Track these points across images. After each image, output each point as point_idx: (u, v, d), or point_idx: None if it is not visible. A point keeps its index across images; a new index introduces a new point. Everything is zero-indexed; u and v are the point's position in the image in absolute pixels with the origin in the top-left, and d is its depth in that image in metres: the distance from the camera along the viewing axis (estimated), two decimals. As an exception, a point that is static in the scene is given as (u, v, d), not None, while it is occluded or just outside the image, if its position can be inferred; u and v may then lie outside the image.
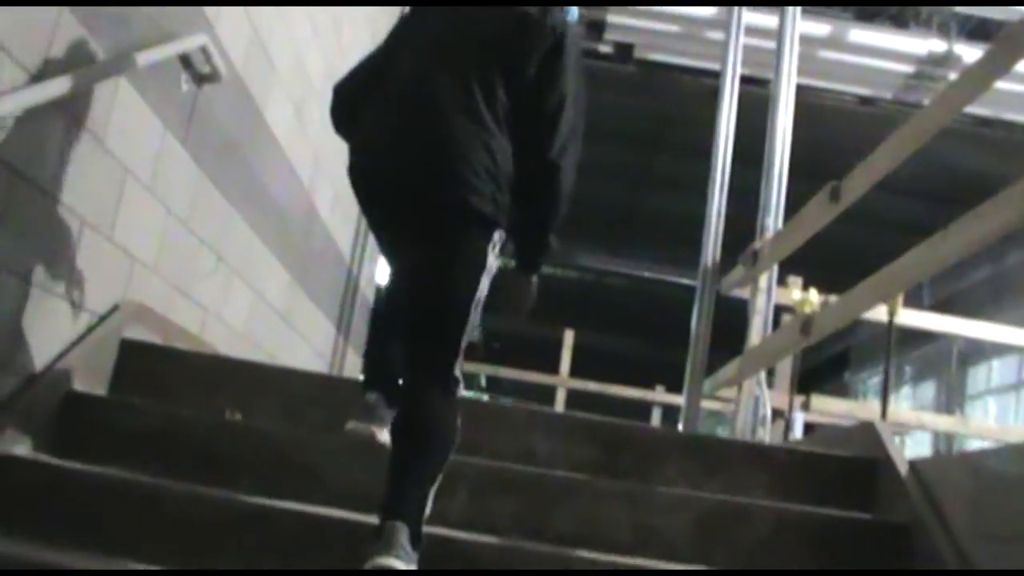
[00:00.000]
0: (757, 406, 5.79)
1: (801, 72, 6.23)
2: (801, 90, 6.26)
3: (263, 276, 5.19)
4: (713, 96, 6.52)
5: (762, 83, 6.89)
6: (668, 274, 13.09)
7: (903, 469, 3.20)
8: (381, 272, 7.39)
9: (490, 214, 2.55)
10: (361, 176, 2.71)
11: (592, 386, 11.54)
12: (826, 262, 7.80)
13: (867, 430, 3.59)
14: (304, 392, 3.59)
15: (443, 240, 2.56)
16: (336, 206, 6.40)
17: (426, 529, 2.41)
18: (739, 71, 6.49)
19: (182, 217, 3.94)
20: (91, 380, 3.26)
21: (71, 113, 2.94)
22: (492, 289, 2.65)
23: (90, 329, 3.30)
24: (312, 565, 2.58)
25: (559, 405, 11.49)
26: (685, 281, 9.15)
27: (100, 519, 2.66)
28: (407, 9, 3.08)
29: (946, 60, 8.48)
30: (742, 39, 6.58)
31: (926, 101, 8.58)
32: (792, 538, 2.98)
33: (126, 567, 2.47)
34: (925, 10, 8.83)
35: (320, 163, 5.83)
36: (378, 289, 7.62)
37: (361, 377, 3.19)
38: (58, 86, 2.77)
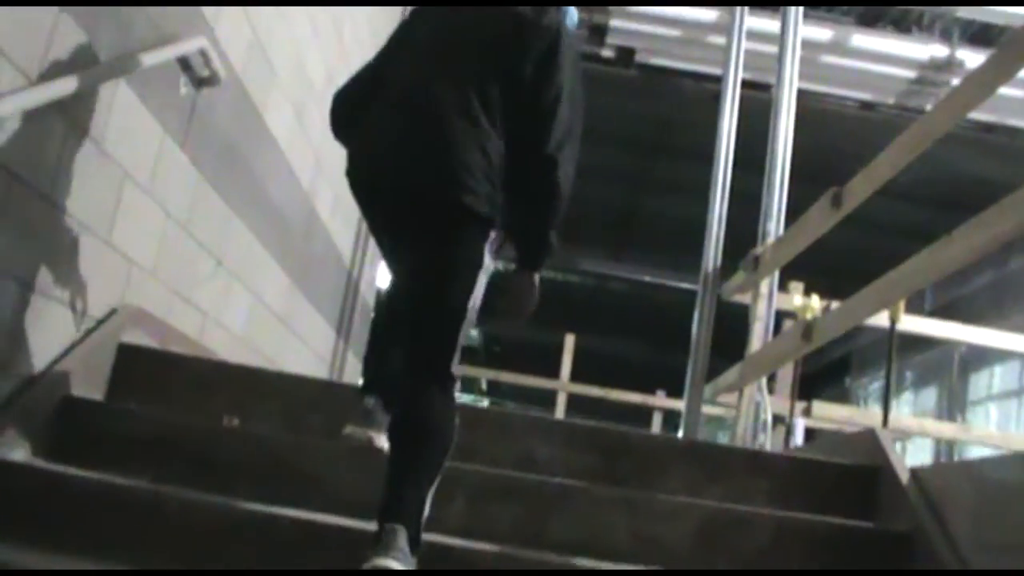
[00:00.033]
0: (758, 412, 5.77)
1: (803, 77, 6.21)
2: (803, 95, 6.24)
3: (263, 280, 5.17)
4: (715, 100, 6.50)
5: (764, 88, 6.89)
6: (669, 279, 13.07)
7: (904, 477, 3.18)
8: (382, 275, 7.37)
9: (486, 214, 2.58)
10: (360, 178, 2.73)
11: (593, 391, 11.54)
12: (828, 267, 7.79)
13: (868, 437, 3.57)
14: (303, 397, 3.57)
15: (440, 240, 2.58)
16: (337, 209, 6.39)
17: (424, 536, 2.40)
18: (741, 76, 6.47)
19: (181, 220, 3.92)
20: (88, 385, 3.24)
21: (69, 116, 2.93)
22: (494, 292, 2.65)
23: (88, 333, 3.28)
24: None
25: (560, 409, 11.47)
26: (686, 286, 9.13)
27: (96, 526, 2.64)
28: (408, 11, 3.08)
29: (948, 65, 8.47)
30: (744, 44, 6.56)
31: (928, 106, 8.57)
32: (793, 547, 2.96)
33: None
34: (927, 15, 8.82)
35: (321, 166, 5.82)
36: (379, 293, 7.60)
37: (360, 382, 3.18)
38: (56, 89, 2.76)
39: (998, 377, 12.16)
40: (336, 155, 2.86)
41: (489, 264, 2.64)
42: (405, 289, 2.76)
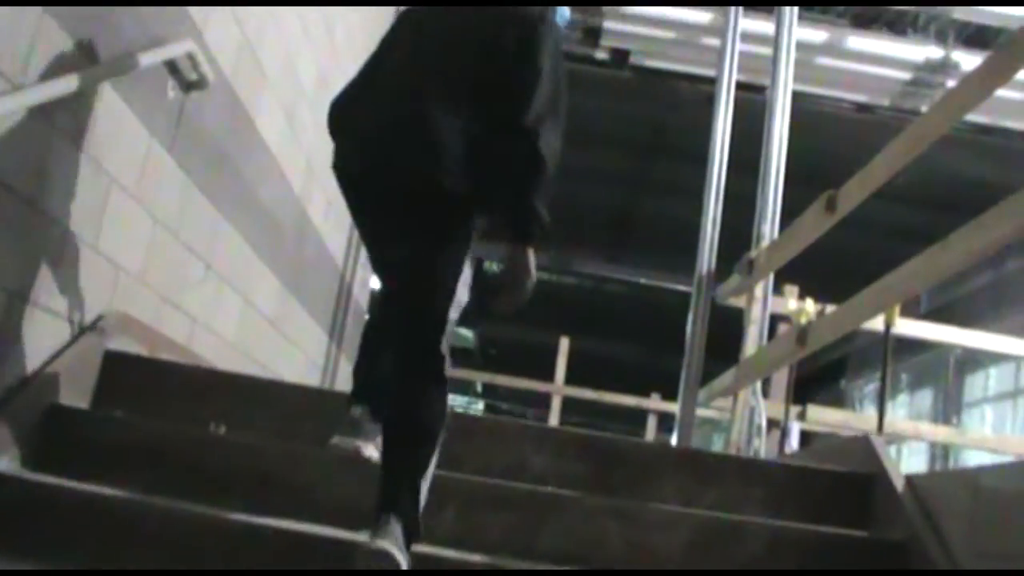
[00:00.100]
0: (753, 416, 5.74)
1: (798, 79, 6.18)
2: (797, 96, 6.21)
3: (254, 284, 5.13)
4: (709, 102, 6.47)
5: (758, 90, 6.85)
6: (665, 281, 13.06)
7: (899, 485, 3.14)
8: (375, 278, 7.34)
9: (468, 197, 2.62)
10: (345, 168, 2.78)
11: (588, 394, 11.50)
12: (823, 270, 7.76)
13: (863, 444, 3.53)
14: (292, 405, 3.53)
15: (426, 222, 2.63)
16: (329, 212, 6.35)
17: (413, 548, 2.40)
18: (735, 77, 6.44)
19: (169, 225, 3.88)
20: (74, 393, 3.20)
21: (53, 120, 2.89)
22: (487, 290, 2.65)
23: (73, 340, 3.24)
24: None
25: (555, 412, 11.43)
26: (682, 288, 9.11)
27: (81, 537, 2.62)
28: (399, 11, 3.08)
29: (943, 67, 8.46)
30: (738, 45, 6.52)
31: (924, 108, 8.56)
32: (787, 556, 2.93)
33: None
34: (923, 17, 8.80)
35: (313, 169, 5.78)
36: (372, 294, 7.57)
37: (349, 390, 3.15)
38: (39, 93, 2.72)
39: (994, 379, 12.15)
40: (328, 157, 2.83)
41: (474, 248, 2.68)
42: (392, 276, 2.79)
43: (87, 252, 3.26)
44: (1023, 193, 2.54)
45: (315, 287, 6.53)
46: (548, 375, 11.55)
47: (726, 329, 6.00)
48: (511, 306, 2.67)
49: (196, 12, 3.78)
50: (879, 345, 5.16)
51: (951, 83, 8.15)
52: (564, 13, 3.00)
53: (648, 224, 12.67)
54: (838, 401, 15.38)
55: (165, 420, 3.29)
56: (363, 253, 7.29)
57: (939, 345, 11.02)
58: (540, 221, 2.62)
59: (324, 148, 2.92)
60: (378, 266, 2.92)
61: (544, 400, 12.27)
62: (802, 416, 6.96)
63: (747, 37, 6.74)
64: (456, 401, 25.50)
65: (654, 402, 11.76)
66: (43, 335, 3.06)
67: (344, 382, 6.87)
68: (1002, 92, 5.90)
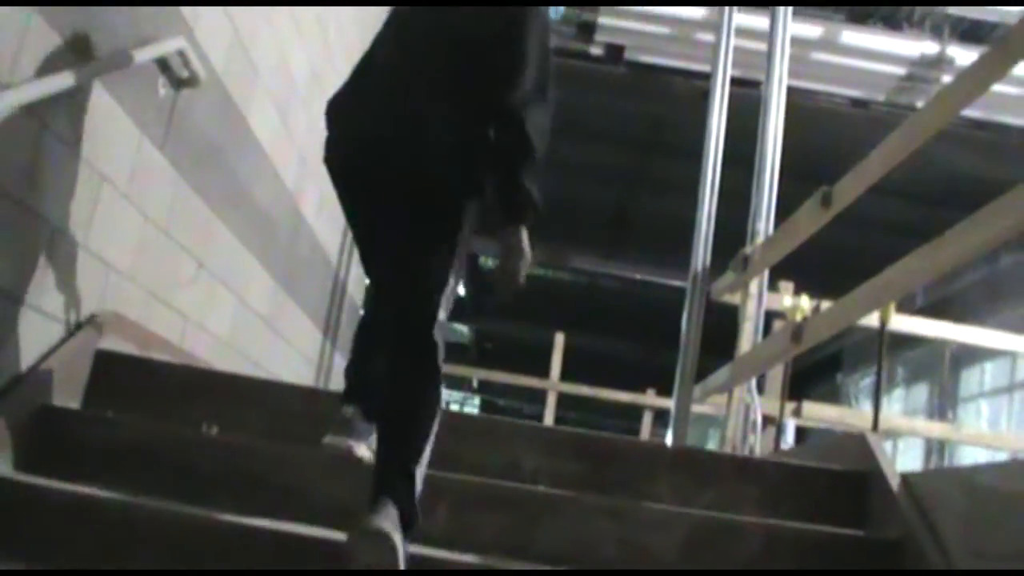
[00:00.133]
0: (748, 413, 5.73)
1: (792, 74, 6.17)
2: (792, 92, 6.20)
3: (247, 282, 5.11)
4: (704, 98, 6.46)
5: (753, 85, 6.84)
6: (661, 276, 13.03)
7: (895, 483, 3.13)
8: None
9: (458, 183, 2.66)
10: (336, 160, 2.81)
11: (584, 390, 11.49)
12: (818, 265, 7.75)
13: (858, 442, 3.52)
14: (285, 405, 3.51)
15: (416, 212, 2.65)
16: (322, 209, 6.33)
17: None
18: (730, 73, 6.43)
19: (161, 224, 3.86)
20: (65, 393, 3.17)
21: (42, 119, 2.86)
22: (485, 282, 2.64)
23: (63, 340, 3.21)
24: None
25: (550, 409, 11.42)
26: (678, 283, 9.10)
27: (71, 539, 2.59)
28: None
29: (939, 62, 8.45)
30: (733, 41, 6.52)
31: (919, 103, 8.55)
32: (782, 555, 2.91)
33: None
34: (918, 12, 8.80)
35: (306, 166, 5.75)
36: (368, 289, 7.55)
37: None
38: (28, 92, 2.70)
39: (989, 373, 12.16)
40: (321, 154, 2.82)
41: (468, 237, 2.71)
42: (384, 268, 2.79)
43: (77, 251, 3.23)
44: (1017, 191, 2.53)
45: (309, 284, 6.51)
46: (544, 371, 11.55)
47: (722, 325, 5.99)
48: (509, 289, 2.68)
49: (187, 9, 3.75)
50: (875, 340, 5.13)
51: (946, 78, 8.13)
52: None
53: (643, 220, 12.64)
54: (834, 395, 15.39)
55: (157, 420, 3.27)
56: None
57: (935, 340, 11.02)
58: (531, 201, 2.63)
59: (317, 145, 2.90)
60: (369, 258, 2.90)
61: (540, 396, 12.26)
62: (797, 412, 6.96)
63: (742, 32, 6.73)
64: (452, 397, 25.54)
65: (650, 398, 11.75)
66: (33, 335, 3.04)
67: (338, 379, 6.85)
68: (997, 87, 5.90)
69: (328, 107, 2.89)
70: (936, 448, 11.74)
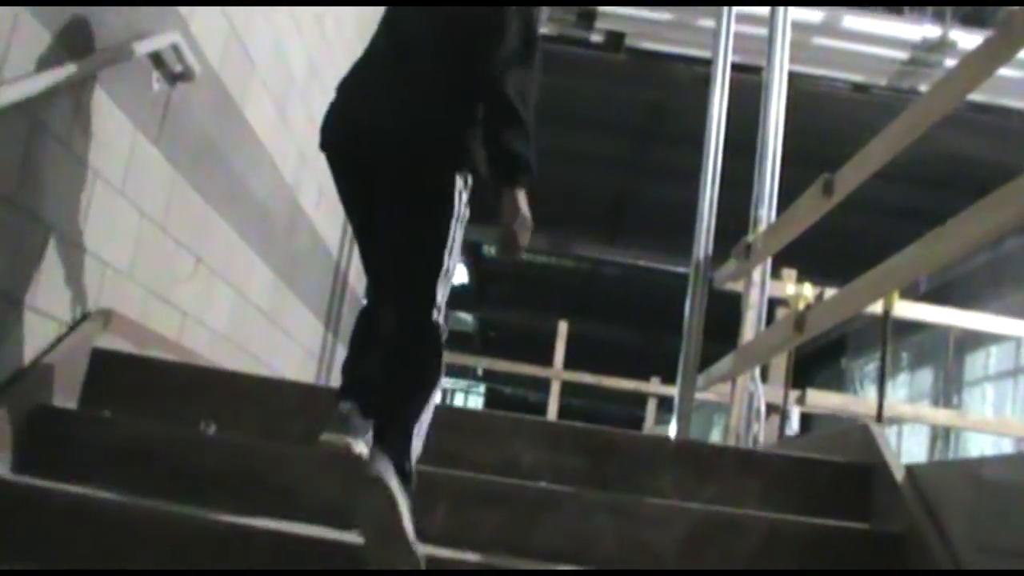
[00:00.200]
0: (752, 401, 5.71)
1: (794, 59, 6.13)
2: (794, 77, 6.16)
3: (246, 276, 5.08)
4: (705, 84, 6.41)
5: (755, 71, 6.79)
6: (663, 263, 13.00)
7: (899, 475, 3.10)
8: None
9: (454, 158, 2.69)
10: (332, 140, 2.82)
11: (587, 378, 11.46)
12: (821, 250, 7.71)
13: (862, 433, 3.49)
14: (283, 402, 3.49)
15: (411, 188, 2.68)
16: (322, 201, 6.29)
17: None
18: (731, 59, 6.38)
19: (157, 220, 3.83)
20: (61, 392, 3.15)
21: (33, 117, 2.83)
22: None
23: (59, 339, 3.19)
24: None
25: (554, 397, 11.40)
26: (681, 270, 9.07)
27: (69, 540, 2.57)
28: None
29: (941, 46, 8.38)
30: (734, 26, 6.47)
31: (921, 87, 8.50)
32: (785, 549, 2.89)
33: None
34: (920, -5, 8.73)
35: (305, 158, 5.72)
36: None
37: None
38: (18, 90, 2.67)
39: (994, 357, 12.10)
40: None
41: (464, 213, 2.71)
42: (380, 250, 2.81)
43: (72, 249, 3.21)
44: (1020, 180, 2.49)
45: (309, 277, 6.48)
46: (548, 358, 11.53)
47: (726, 312, 5.96)
48: (510, 250, 2.68)
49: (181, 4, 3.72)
50: (880, 323, 5.11)
51: (949, 62, 8.08)
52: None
53: (645, 207, 12.62)
54: (839, 380, 15.38)
55: (154, 419, 3.24)
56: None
57: (939, 325, 10.98)
58: (520, 161, 2.63)
59: (316, 137, 2.88)
60: (365, 242, 2.91)
61: (544, 384, 12.25)
62: (801, 400, 6.93)
63: (742, 18, 6.69)
64: (456, 385, 25.57)
65: (654, 386, 11.73)
66: (29, 334, 3.01)
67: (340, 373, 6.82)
68: (1000, 70, 5.85)
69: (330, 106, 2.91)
70: (942, 434, 11.71)
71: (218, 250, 4.57)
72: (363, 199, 2.83)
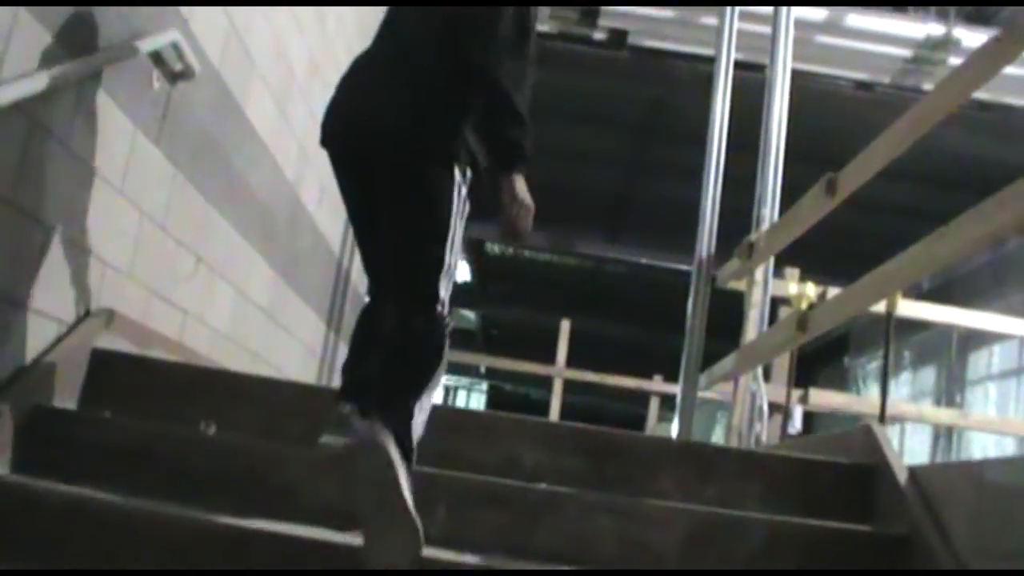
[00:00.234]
0: (754, 400, 5.70)
1: (797, 57, 6.10)
2: (797, 75, 6.14)
3: (247, 275, 5.07)
4: (708, 82, 6.39)
5: (758, 69, 6.77)
6: (665, 260, 12.98)
7: (902, 477, 3.09)
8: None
9: (453, 151, 2.68)
10: (331, 132, 2.83)
11: (590, 376, 11.45)
12: (824, 248, 7.69)
13: (865, 434, 3.48)
14: (284, 402, 3.48)
15: (413, 182, 2.68)
16: (324, 199, 6.28)
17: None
18: (734, 56, 6.36)
19: (157, 219, 3.82)
20: (61, 393, 3.15)
21: (32, 116, 2.82)
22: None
23: (59, 339, 3.18)
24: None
25: (556, 395, 11.39)
26: (684, 267, 9.06)
27: (68, 540, 2.56)
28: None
29: (945, 44, 8.35)
30: (737, 24, 6.45)
31: (924, 86, 8.47)
32: (787, 551, 2.88)
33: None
34: (923, -7, 8.70)
35: (306, 156, 5.71)
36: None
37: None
38: (17, 89, 2.66)
39: (997, 356, 12.06)
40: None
41: (464, 207, 2.72)
42: (381, 245, 2.80)
43: (72, 249, 3.20)
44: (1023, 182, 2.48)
45: (311, 275, 6.47)
46: (550, 356, 11.53)
47: (728, 310, 5.94)
48: (514, 235, 2.69)
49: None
50: (883, 323, 5.10)
51: (952, 60, 8.05)
52: None
53: (648, 204, 12.59)
54: (842, 378, 15.35)
55: (154, 419, 3.24)
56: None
57: (943, 323, 10.95)
58: (516, 148, 2.64)
59: (317, 134, 2.87)
60: (364, 237, 2.91)
61: (547, 382, 12.24)
62: (804, 399, 6.92)
63: (746, 16, 6.67)
64: (460, 383, 25.59)
65: (656, 384, 11.72)
66: (29, 334, 3.01)
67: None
68: (1005, 69, 5.82)
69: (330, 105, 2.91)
70: (944, 432, 11.68)
71: (219, 249, 4.56)
72: (363, 195, 2.83)
